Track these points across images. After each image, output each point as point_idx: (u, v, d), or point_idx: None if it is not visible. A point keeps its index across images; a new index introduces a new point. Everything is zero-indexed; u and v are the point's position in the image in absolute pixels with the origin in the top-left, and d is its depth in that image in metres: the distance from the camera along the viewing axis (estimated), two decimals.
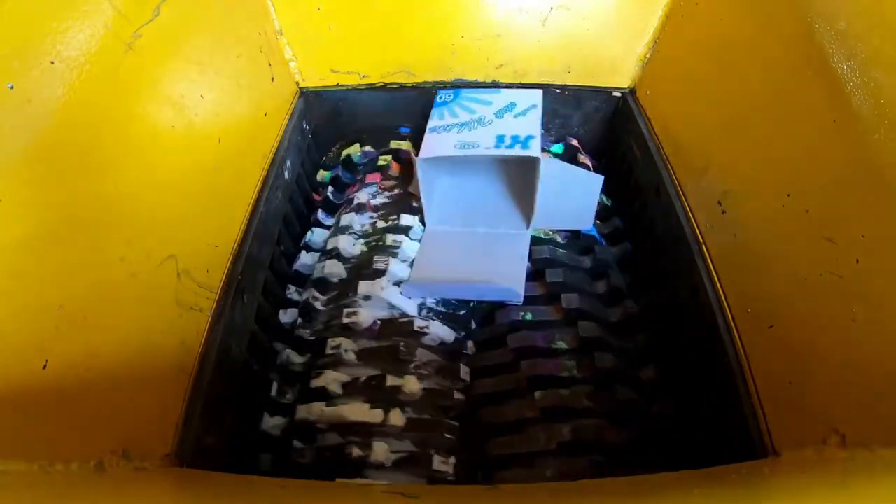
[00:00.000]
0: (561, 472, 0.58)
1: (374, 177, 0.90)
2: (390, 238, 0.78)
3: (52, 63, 0.43)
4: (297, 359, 0.69)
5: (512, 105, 0.82)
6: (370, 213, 0.84)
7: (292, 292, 0.78)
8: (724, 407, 0.55)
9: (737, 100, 0.63)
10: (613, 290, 0.75)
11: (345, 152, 0.97)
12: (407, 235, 0.79)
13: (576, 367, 0.66)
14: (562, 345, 0.68)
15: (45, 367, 0.39)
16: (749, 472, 0.45)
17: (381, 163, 0.93)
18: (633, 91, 0.88)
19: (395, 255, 0.76)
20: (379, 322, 0.70)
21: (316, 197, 0.93)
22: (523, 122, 0.79)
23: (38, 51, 0.42)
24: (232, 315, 0.59)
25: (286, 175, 0.79)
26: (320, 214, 0.88)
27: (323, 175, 0.96)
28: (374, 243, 0.79)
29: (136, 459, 0.43)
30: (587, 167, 0.91)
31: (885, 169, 0.42)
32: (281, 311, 0.75)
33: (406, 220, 0.81)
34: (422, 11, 0.83)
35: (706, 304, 0.60)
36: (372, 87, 0.90)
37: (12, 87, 0.39)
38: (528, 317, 0.71)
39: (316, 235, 0.85)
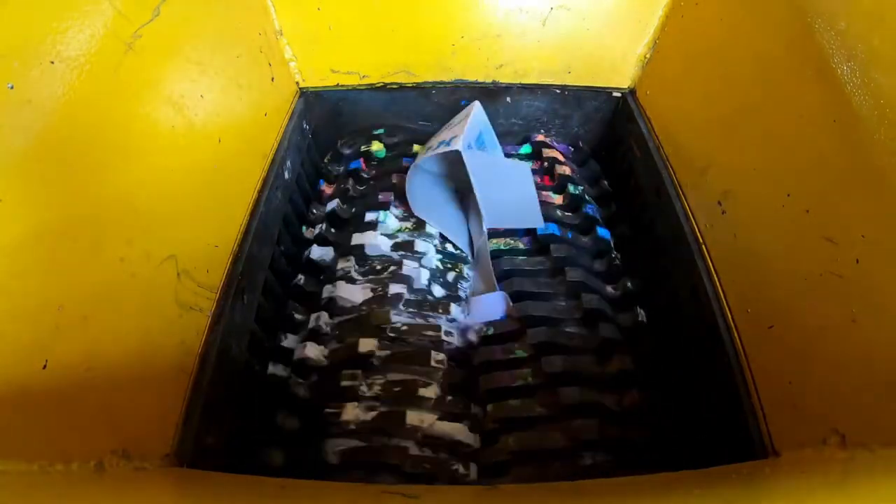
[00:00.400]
0: (516, 479, 0.59)
1: None
2: (465, 269, 0.80)
3: (52, 63, 0.43)
4: (380, 353, 0.68)
5: (450, 123, 0.86)
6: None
7: (350, 267, 0.76)
8: (724, 407, 0.55)
9: (737, 100, 0.63)
10: (572, 285, 0.74)
11: (416, 148, 0.95)
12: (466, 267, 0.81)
13: (531, 375, 0.65)
14: (521, 353, 0.68)
15: (45, 367, 0.39)
16: (749, 472, 0.45)
17: None
18: (633, 91, 0.88)
19: (464, 288, 0.78)
20: (457, 348, 0.71)
21: (364, 167, 0.92)
22: (454, 129, 0.81)
23: (38, 51, 0.42)
24: (232, 315, 0.59)
25: (286, 175, 0.79)
26: (392, 197, 0.86)
27: (378, 147, 0.95)
28: (450, 266, 0.80)
29: (136, 459, 0.43)
30: (556, 160, 0.92)
31: (886, 169, 0.42)
32: (344, 283, 0.73)
33: (466, 251, 0.83)
34: (422, 11, 0.83)
35: (706, 304, 0.60)
36: (372, 87, 0.90)
37: (12, 87, 0.39)
38: (490, 331, 0.72)
39: (390, 221, 0.83)
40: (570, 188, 0.87)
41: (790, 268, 0.51)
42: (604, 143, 0.96)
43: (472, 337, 0.72)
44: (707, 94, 0.70)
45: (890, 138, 0.42)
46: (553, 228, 0.81)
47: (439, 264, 0.80)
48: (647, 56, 0.84)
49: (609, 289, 0.76)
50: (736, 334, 0.56)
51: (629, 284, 0.77)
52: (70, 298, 0.41)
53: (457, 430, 0.62)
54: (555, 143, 0.97)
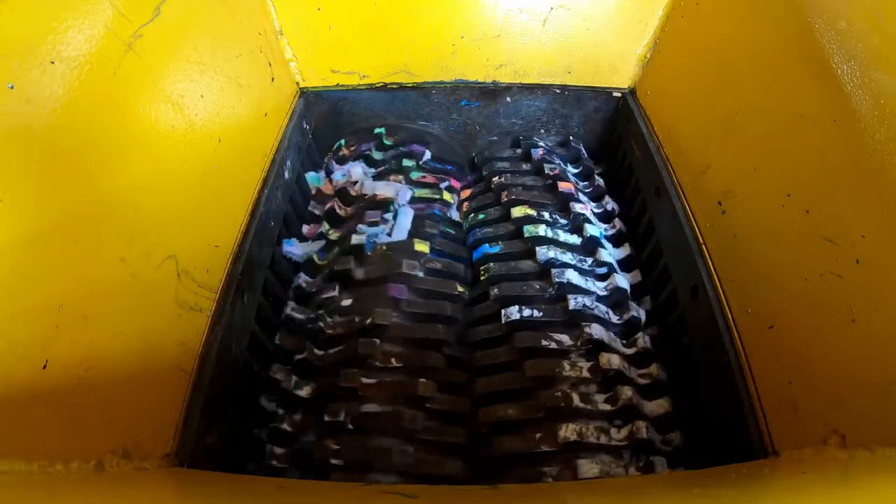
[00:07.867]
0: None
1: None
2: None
3: (52, 63, 0.43)
4: None
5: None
6: None
7: None
8: (724, 407, 0.55)
9: (737, 100, 0.62)
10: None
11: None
12: None
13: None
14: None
15: (45, 367, 0.39)
16: (749, 472, 0.45)
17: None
18: (633, 91, 0.88)
19: None
20: None
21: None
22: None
23: (38, 51, 0.42)
24: (232, 315, 0.59)
25: (286, 175, 0.79)
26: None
27: None
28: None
29: (136, 459, 0.44)
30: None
31: (886, 169, 0.42)
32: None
33: None
34: (422, 12, 0.83)
35: (706, 304, 0.60)
36: (372, 87, 0.90)
37: (12, 87, 0.39)
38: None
39: None
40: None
41: (790, 268, 0.51)
42: (604, 143, 0.96)
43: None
44: (707, 94, 0.69)
45: (890, 138, 0.42)
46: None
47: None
48: (647, 56, 0.84)
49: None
50: (736, 334, 0.56)
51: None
52: (70, 298, 0.41)
53: None
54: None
